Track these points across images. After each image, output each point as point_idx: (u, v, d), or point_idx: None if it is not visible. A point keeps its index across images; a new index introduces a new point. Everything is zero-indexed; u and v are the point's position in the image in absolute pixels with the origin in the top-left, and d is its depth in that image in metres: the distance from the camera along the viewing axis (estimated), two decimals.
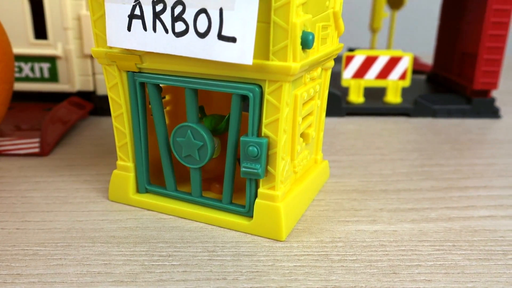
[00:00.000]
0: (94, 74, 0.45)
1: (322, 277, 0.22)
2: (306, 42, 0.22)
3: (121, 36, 0.25)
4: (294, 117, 0.25)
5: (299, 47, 0.22)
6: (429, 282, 0.22)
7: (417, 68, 0.63)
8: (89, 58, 0.44)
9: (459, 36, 0.52)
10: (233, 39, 0.22)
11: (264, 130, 0.24)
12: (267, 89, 0.23)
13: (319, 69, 0.27)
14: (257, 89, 0.23)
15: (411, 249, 0.24)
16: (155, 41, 0.24)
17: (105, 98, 0.45)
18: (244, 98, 0.24)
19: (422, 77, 0.61)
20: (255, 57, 0.22)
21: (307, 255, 0.24)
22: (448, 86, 0.54)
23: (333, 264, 0.23)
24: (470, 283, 0.22)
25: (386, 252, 0.24)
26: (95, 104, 0.46)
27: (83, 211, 0.28)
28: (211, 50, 0.23)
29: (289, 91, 0.23)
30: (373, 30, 0.65)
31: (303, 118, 0.26)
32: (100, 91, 0.45)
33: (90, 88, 0.45)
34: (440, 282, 0.22)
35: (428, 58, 0.71)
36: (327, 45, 0.27)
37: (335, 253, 0.24)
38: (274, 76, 0.23)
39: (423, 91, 0.53)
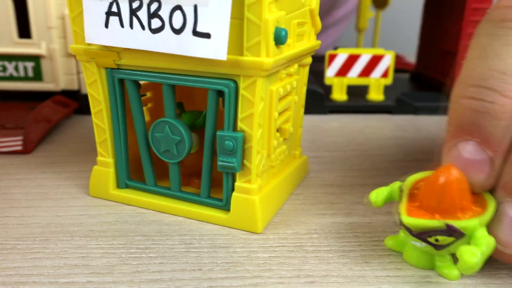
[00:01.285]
0: (78, 73, 0.45)
1: (295, 267, 0.22)
2: (279, 38, 0.23)
3: (99, 33, 0.25)
4: (270, 112, 0.25)
5: (272, 42, 0.23)
6: (399, 270, 0.22)
7: (402, 67, 0.64)
8: (73, 57, 0.44)
9: (441, 35, 0.53)
10: (207, 35, 0.23)
11: (240, 125, 0.24)
12: (241, 84, 0.24)
13: (296, 66, 0.28)
14: (232, 84, 0.24)
15: (383, 240, 0.25)
16: (132, 38, 0.24)
17: None
18: (221, 94, 0.25)
19: (406, 75, 0.62)
20: (229, 52, 0.23)
21: (282, 246, 0.24)
22: (430, 84, 0.55)
23: (307, 255, 0.23)
24: None
25: (360, 243, 0.24)
26: (80, 103, 0.46)
27: (63, 207, 0.28)
28: (187, 46, 0.23)
29: (264, 86, 0.24)
30: (359, 30, 0.66)
31: (280, 113, 0.27)
32: (84, 90, 0.45)
33: (74, 87, 0.45)
34: (409, 270, 0.22)
35: (412, 57, 0.72)
36: (304, 42, 0.28)
37: (309, 244, 0.24)
38: (248, 71, 0.23)
39: (406, 89, 0.53)
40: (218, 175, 0.27)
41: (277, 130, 0.27)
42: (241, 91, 0.24)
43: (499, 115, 0.19)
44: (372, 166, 0.35)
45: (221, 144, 0.25)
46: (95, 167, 0.29)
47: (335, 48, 0.51)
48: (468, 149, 0.20)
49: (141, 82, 0.29)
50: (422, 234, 0.20)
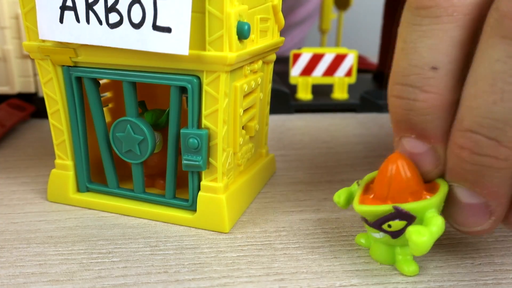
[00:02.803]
0: (35, 75, 0.43)
1: (264, 265, 0.22)
2: (242, 32, 0.23)
3: (53, 29, 0.24)
4: (234, 109, 0.25)
5: (235, 37, 0.22)
6: (368, 264, 0.22)
7: (365, 67, 0.65)
8: (29, 58, 0.42)
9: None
10: (168, 29, 0.22)
11: (204, 122, 0.24)
12: (205, 80, 0.23)
13: (260, 62, 0.28)
14: (195, 80, 0.23)
15: (352, 235, 0.25)
16: (89, 33, 0.23)
17: None
18: (183, 90, 0.24)
19: (370, 76, 0.63)
20: (191, 47, 0.22)
21: (251, 245, 0.24)
22: None
23: (276, 252, 0.23)
24: None
25: (328, 239, 0.24)
26: (37, 106, 0.44)
27: (19, 213, 0.27)
28: (146, 41, 0.22)
29: (227, 81, 0.23)
30: (322, 31, 0.67)
31: (245, 111, 0.26)
32: (42, 93, 0.44)
33: (31, 89, 0.43)
34: (377, 263, 0.22)
35: (375, 58, 0.74)
36: (267, 38, 0.28)
37: (278, 242, 0.24)
38: (211, 66, 0.23)
39: (369, 88, 0.54)
40: (183, 174, 0.26)
41: (243, 128, 0.27)
42: (205, 87, 0.23)
43: (424, 111, 0.20)
44: (338, 163, 0.35)
45: (185, 142, 0.24)
46: (53, 170, 0.28)
47: (299, 49, 0.51)
48: (410, 144, 0.21)
49: (101, 81, 0.28)
50: (376, 222, 0.21)
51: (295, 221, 0.26)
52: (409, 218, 0.20)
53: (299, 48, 0.52)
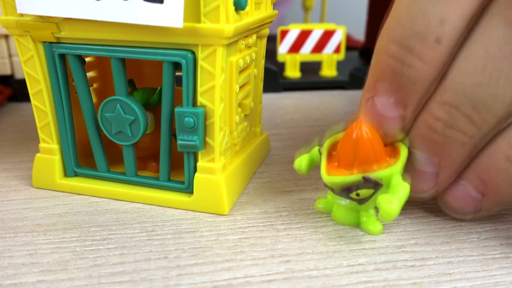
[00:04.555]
0: (10, 56, 0.41)
1: (268, 247, 0.21)
2: (239, 3, 0.21)
3: (32, 1, 0.22)
4: (230, 85, 0.24)
5: (232, 7, 0.21)
6: (374, 242, 0.22)
7: (350, 44, 0.64)
8: (3, 38, 0.40)
9: (387, 10, 0.53)
10: (159, 0, 0.20)
11: (200, 99, 0.22)
12: (200, 55, 0.22)
13: (254, 37, 0.26)
14: (189, 55, 0.22)
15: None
16: (73, 6, 0.22)
17: (25, 82, 0.41)
18: (177, 66, 0.23)
19: (356, 53, 0.62)
20: (185, 19, 0.21)
21: (252, 226, 0.23)
22: None
23: (278, 233, 0.22)
24: (412, 240, 0.22)
25: (330, 217, 0.24)
26: (14, 89, 0.42)
27: (3, 201, 0.25)
28: (136, 13, 0.21)
29: (224, 56, 0.22)
30: (306, 8, 0.65)
31: (240, 88, 0.25)
32: (18, 75, 0.41)
33: (7, 71, 0.41)
34: (384, 241, 0.22)
35: (361, 35, 0.73)
36: (261, 10, 0.26)
37: (280, 223, 0.23)
38: (207, 39, 0.21)
39: (357, 65, 0.53)
40: (176, 156, 0.25)
41: (238, 106, 0.26)
42: (200, 62, 0.22)
43: (415, 80, 0.19)
44: None
45: (180, 122, 0.23)
46: (38, 155, 0.26)
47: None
48: (383, 106, 0.21)
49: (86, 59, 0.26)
50: (344, 191, 0.21)
51: (295, 200, 0.25)
52: (377, 186, 0.20)
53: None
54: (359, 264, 0.20)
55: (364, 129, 0.20)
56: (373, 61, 0.21)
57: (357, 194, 0.21)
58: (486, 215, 0.22)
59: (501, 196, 0.21)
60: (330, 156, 0.22)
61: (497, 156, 0.20)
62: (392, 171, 0.20)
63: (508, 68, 0.18)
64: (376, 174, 0.20)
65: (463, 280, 0.19)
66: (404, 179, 0.21)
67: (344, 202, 0.22)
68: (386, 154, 0.21)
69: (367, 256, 0.21)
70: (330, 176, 0.21)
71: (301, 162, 0.23)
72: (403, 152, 0.21)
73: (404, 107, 0.20)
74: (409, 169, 0.21)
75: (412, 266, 0.20)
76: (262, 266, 0.20)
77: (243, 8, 0.22)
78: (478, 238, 0.22)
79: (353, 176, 0.20)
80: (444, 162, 0.21)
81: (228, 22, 0.21)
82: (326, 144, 0.23)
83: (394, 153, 0.21)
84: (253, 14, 0.25)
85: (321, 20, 0.65)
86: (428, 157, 0.21)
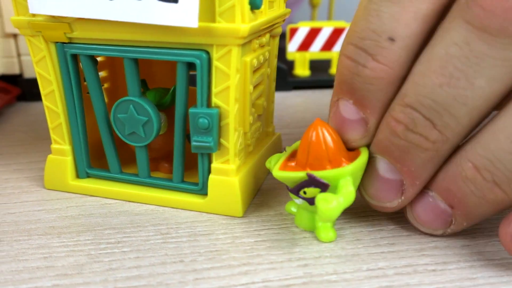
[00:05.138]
0: (19, 55, 0.40)
1: (285, 250, 0.21)
2: (255, 1, 0.21)
3: (45, 2, 0.22)
4: (245, 86, 0.23)
5: (248, 6, 0.21)
6: (393, 245, 0.21)
7: None
8: (12, 37, 0.39)
9: None
10: (174, 0, 0.20)
11: (214, 100, 0.22)
12: (215, 55, 0.21)
13: (267, 35, 0.26)
14: (204, 55, 0.21)
15: (372, 215, 0.24)
16: (86, 6, 0.21)
17: (34, 81, 0.41)
18: (191, 66, 0.22)
19: None
20: (200, 19, 0.20)
21: (268, 229, 0.22)
22: None
23: (295, 236, 0.22)
24: (432, 243, 0.21)
25: (347, 220, 0.23)
26: (23, 89, 0.41)
27: (16, 203, 0.25)
28: (150, 13, 0.21)
29: (239, 56, 0.22)
30: (313, 5, 0.65)
31: (254, 88, 0.25)
32: (27, 74, 0.41)
33: (15, 71, 0.41)
34: (403, 244, 0.21)
35: None
36: (274, 9, 0.26)
37: (295, 225, 0.23)
38: (222, 39, 0.21)
39: None
40: (189, 157, 0.25)
41: (252, 106, 0.25)
42: (215, 62, 0.21)
43: (370, 80, 0.19)
44: None
45: (194, 123, 0.22)
46: (50, 156, 0.26)
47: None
48: (345, 109, 0.20)
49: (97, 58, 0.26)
50: (294, 189, 0.21)
51: None
52: (323, 186, 0.20)
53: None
54: (379, 268, 0.20)
55: (319, 130, 0.20)
56: (337, 66, 0.21)
57: (304, 192, 0.20)
58: (458, 231, 0.21)
59: (470, 208, 0.20)
60: (293, 155, 0.22)
61: (464, 165, 0.19)
62: (338, 172, 0.20)
63: (468, 69, 0.18)
64: (322, 173, 0.20)
65: (486, 285, 0.19)
66: (367, 186, 0.21)
67: (299, 201, 0.21)
68: (347, 158, 0.20)
69: (387, 260, 0.20)
70: (280, 171, 0.21)
71: (271, 161, 0.23)
72: (363, 156, 0.20)
73: (364, 109, 0.20)
74: (373, 176, 0.21)
75: (434, 270, 0.20)
76: (280, 270, 0.20)
77: (258, 7, 0.21)
78: (499, 241, 0.22)
79: (298, 173, 0.20)
80: (407, 169, 0.20)
81: (243, 22, 0.21)
82: (295, 144, 0.23)
83: (355, 157, 0.21)
84: (267, 13, 0.24)
85: (329, 17, 0.64)
86: (390, 163, 0.20)
